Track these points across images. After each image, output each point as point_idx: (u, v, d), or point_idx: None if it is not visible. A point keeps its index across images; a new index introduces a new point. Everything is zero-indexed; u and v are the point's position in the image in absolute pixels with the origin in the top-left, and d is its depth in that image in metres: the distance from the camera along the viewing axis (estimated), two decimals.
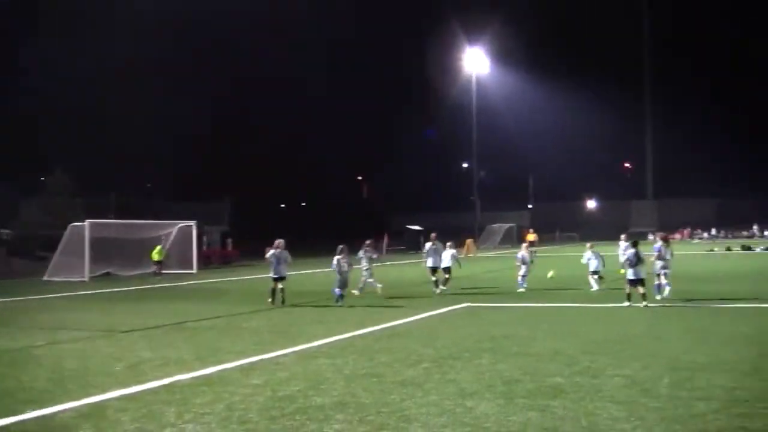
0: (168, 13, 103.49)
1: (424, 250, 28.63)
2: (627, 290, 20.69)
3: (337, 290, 23.69)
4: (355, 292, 25.86)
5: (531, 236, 65.66)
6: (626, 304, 20.39)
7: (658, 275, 22.54)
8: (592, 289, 25.69)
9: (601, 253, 26.72)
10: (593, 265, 26.32)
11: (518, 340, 14.60)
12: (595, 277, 26.37)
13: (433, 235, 28.88)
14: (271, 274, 23.95)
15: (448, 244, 29.57)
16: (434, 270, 27.55)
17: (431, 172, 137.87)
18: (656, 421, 8.54)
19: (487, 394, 10.06)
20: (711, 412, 8.87)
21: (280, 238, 24.85)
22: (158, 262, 43.36)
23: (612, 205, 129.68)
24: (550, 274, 30.25)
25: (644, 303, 20.10)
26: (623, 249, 24.68)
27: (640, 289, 20.33)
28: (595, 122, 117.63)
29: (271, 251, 24.06)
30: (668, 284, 22.41)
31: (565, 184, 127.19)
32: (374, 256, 28.48)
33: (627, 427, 8.38)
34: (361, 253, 27.65)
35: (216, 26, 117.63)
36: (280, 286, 23.55)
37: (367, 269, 27.02)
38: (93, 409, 9.81)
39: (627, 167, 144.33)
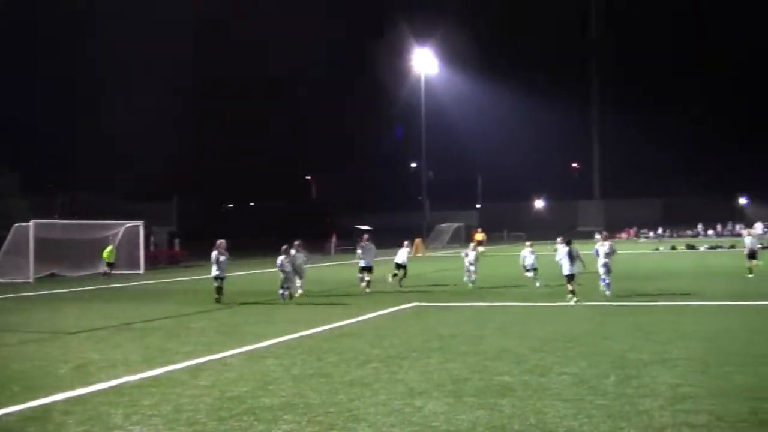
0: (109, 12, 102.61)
1: (357, 251, 28.98)
2: (569, 288, 21.46)
3: (280, 290, 24.15)
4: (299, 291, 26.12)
5: (479, 236, 65.83)
6: (575, 300, 21.11)
7: (602, 274, 23.09)
8: (537, 285, 26.60)
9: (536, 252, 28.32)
10: (528, 261, 28.07)
11: (466, 339, 14.66)
12: (530, 274, 27.81)
13: (365, 236, 29.52)
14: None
15: (405, 243, 31.39)
16: (365, 269, 27.75)
17: (381, 172, 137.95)
18: (603, 418, 8.63)
19: (435, 393, 10.09)
20: (656, 409, 8.98)
21: (221, 239, 25.17)
22: (109, 263, 43.02)
23: (559, 205, 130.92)
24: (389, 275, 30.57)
25: (574, 299, 21.03)
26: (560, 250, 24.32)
27: (569, 286, 21.37)
28: (543, 123, 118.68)
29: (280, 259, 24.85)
30: (608, 283, 22.84)
31: (513, 184, 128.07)
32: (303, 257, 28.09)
33: (574, 424, 8.46)
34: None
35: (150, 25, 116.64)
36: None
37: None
38: (38, 412, 9.67)
39: (574, 168, 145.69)
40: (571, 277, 21.58)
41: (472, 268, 28.27)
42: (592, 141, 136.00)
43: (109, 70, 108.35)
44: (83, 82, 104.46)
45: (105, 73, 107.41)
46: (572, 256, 21.69)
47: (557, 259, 22.62)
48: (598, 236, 27.57)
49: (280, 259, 24.74)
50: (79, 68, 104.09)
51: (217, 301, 24.19)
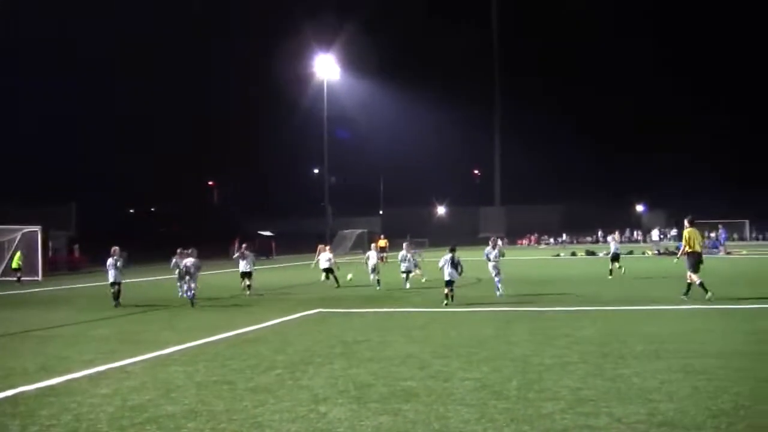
0: None
1: (234, 257, 31.51)
2: (445, 291, 22.73)
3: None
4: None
5: (382, 242, 66.48)
6: (444, 303, 22.40)
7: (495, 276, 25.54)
8: (406, 287, 29.26)
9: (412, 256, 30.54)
10: (403, 266, 30.14)
11: (370, 345, 14.70)
12: (404, 276, 30.15)
13: (244, 245, 31.31)
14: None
15: (328, 247, 35.48)
16: (246, 275, 29.50)
17: (284, 177, 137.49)
18: (506, 422, 8.73)
19: (339, 399, 10.09)
20: (558, 412, 9.13)
21: (117, 245, 25.56)
22: (18, 269, 42.26)
23: (461, 211, 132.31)
24: (349, 276, 33.77)
25: (445, 303, 22.40)
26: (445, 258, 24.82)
27: (446, 290, 22.67)
28: (445, 129, 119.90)
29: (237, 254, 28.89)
30: (499, 283, 25.21)
31: (416, 190, 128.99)
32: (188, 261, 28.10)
33: (478, 428, 8.54)
34: (175, 258, 29.19)
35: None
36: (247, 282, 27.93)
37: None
38: None
39: (476, 174, 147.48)
40: (450, 283, 22.75)
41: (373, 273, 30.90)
42: (494, 147, 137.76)
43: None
44: None
45: None
46: (454, 263, 22.95)
47: (440, 265, 23.40)
48: (500, 242, 28.57)
49: (174, 260, 27.70)
50: None
51: (116, 306, 24.40)
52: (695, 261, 21.98)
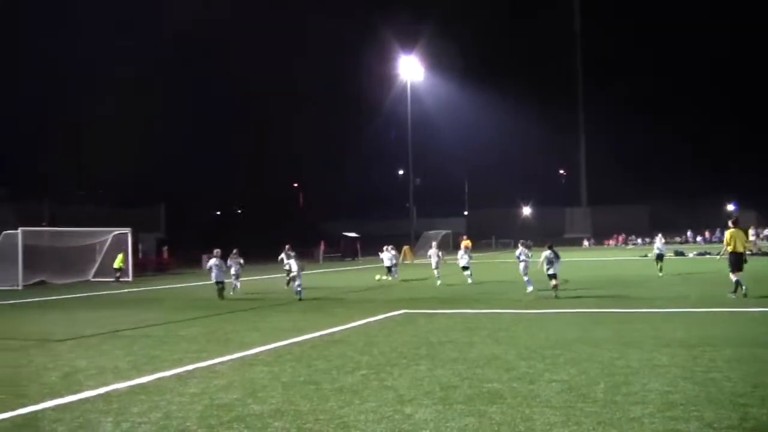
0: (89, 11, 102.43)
1: (281, 259, 33.70)
2: (553, 283, 25.19)
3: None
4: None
5: (466, 242, 66.53)
6: (555, 295, 24.75)
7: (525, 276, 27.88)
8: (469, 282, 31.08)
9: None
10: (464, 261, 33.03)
11: (456, 346, 14.65)
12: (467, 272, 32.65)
13: (287, 246, 33.44)
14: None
15: (390, 246, 38.77)
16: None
17: (368, 179, 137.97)
18: (593, 426, 8.62)
19: (425, 400, 10.08)
20: (647, 416, 8.98)
21: (218, 246, 26.57)
22: (119, 269, 43.49)
23: (547, 212, 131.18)
24: (377, 277, 37.30)
25: (555, 295, 24.73)
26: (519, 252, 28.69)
27: (553, 282, 25.15)
28: (530, 129, 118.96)
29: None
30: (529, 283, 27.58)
31: (501, 190, 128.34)
32: (241, 261, 32.99)
33: (564, 431, 8.46)
34: (229, 261, 31.86)
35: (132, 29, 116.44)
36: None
37: (235, 274, 31.64)
38: (27, 420, 9.63)
39: (561, 174, 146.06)
40: (553, 276, 25.29)
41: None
42: (580, 147, 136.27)
43: (95, 72, 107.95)
44: (67, 85, 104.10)
45: (88, 76, 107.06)
46: (554, 258, 25.52)
47: (540, 260, 25.88)
48: (586, 243, 29.64)
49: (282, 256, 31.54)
50: (64, 72, 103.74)
51: (222, 299, 28.18)
52: (736, 260, 23.14)
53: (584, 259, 59.60)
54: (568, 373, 11.63)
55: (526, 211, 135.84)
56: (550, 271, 25.33)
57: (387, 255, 37.95)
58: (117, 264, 44.26)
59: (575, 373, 11.57)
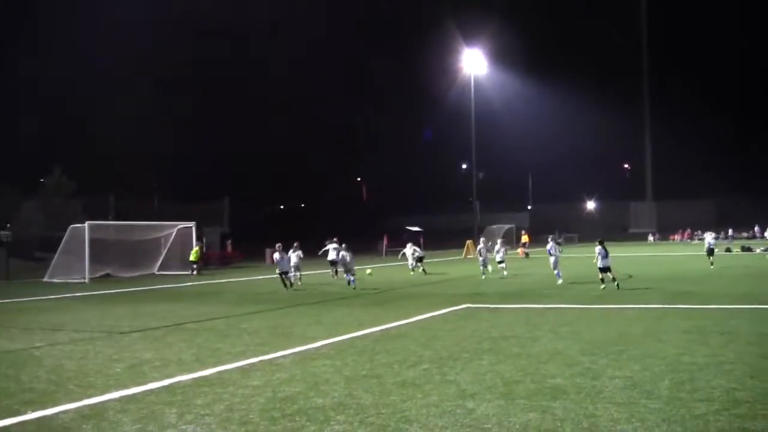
0: (163, 11, 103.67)
1: (276, 258, 33.60)
2: (600, 277, 26.85)
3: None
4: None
5: (525, 237, 67.05)
6: (602, 287, 26.23)
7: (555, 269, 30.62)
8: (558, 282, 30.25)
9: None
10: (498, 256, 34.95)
11: (518, 341, 14.59)
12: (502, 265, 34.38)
13: (335, 239, 35.59)
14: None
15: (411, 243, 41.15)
16: (333, 264, 35.23)
17: (430, 173, 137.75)
18: (657, 423, 8.52)
19: (487, 395, 10.05)
20: (712, 413, 8.86)
21: (282, 240, 27.16)
22: (195, 262, 44.20)
23: (611, 206, 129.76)
24: (368, 271, 39.04)
25: (603, 287, 26.24)
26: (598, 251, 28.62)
27: (601, 275, 26.83)
28: (594, 123, 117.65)
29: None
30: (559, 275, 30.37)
31: (564, 185, 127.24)
32: (300, 254, 33.76)
33: (628, 428, 8.37)
34: (290, 253, 32.85)
35: (214, 26, 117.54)
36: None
37: (295, 265, 32.64)
38: (93, 410, 9.80)
39: (625, 168, 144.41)
40: (605, 269, 26.76)
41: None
42: (644, 141, 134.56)
43: (159, 71, 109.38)
44: (135, 82, 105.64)
45: (155, 70, 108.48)
46: (605, 253, 26.95)
47: (596, 254, 27.32)
48: (651, 238, 30.37)
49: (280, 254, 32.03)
50: (128, 67, 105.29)
51: (288, 288, 30.10)
52: None
53: (648, 255, 58.88)
54: (632, 369, 11.52)
55: (590, 205, 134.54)
56: (600, 265, 26.88)
57: (409, 251, 41.44)
58: (193, 257, 45.00)
59: (639, 369, 11.45)
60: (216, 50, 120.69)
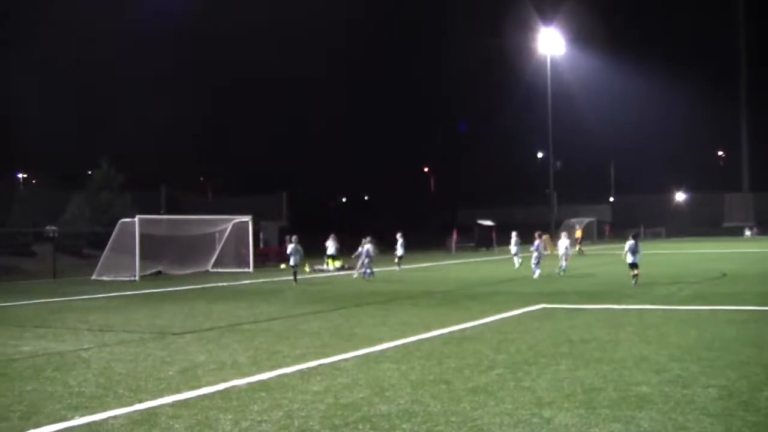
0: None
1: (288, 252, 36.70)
2: (633, 272, 28.01)
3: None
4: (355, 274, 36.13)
5: (579, 233, 66.72)
6: (633, 283, 27.63)
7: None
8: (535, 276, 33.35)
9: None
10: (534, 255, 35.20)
11: (599, 345, 14.46)
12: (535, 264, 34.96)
13: (295, 237, 36.48)
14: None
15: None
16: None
17: (504, 163, 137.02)
18: None
19: (565, 403, 9.97)
20: None
21: (333, 233, 27.70)
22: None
23: (702, 198, 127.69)
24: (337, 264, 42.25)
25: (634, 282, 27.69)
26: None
27: (633, 272, 28.02)
28: (683, 107, 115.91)
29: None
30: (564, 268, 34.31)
31: (650, 174, 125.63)
32: (338, 245, 39.13)
33: None
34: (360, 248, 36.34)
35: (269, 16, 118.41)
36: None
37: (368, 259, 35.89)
38: (145, 416, 9.93)
39: (719, 156, 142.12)
40: (633, 265, 27.95)
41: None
42: (741, 127, 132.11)
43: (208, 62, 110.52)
44: (186, 69, 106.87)
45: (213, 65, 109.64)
46: (635, 249, 28.04)
47: (625, 250, 28.55)
48: (748, 233, 30.46)
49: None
50: (182, 56, 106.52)
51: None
52: None
53: (744, 251, 57.89)
54: (727, 377, 11.33)
55: (679, 197, 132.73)
56: (629, 261, 28.10)
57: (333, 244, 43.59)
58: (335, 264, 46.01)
59: (735, 378, 11.26)
60: (266, 40, 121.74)
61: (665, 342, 14.65)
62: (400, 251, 42.68)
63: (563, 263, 35.22)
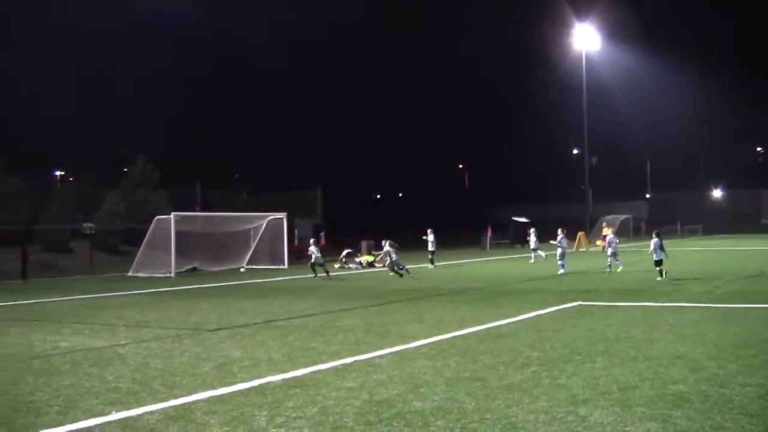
0: None
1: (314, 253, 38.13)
2: (658, 269, 28.86)
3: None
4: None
5: (606, 230, 66.12)
6: (658, 279, 28.42)
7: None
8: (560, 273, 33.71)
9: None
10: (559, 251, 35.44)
11: (635, 343, 14.37)
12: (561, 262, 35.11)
13: (389, 242, 37.04)
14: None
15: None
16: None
17: (539, 159, 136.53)
18: None
19: (601, 401, 9.93)
20: None
21: (363, 231, 27.82)
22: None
23: (740, 195, 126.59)
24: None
25: (659, 278, 28.37)
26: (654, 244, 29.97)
27: (658, 268, 28.84)
28: (720, 103, 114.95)
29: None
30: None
31: (688, 171, 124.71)
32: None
33: None
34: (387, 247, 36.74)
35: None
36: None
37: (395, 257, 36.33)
38: (180, 411, 9.98)
39: (758, 152, 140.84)
40: (659, 262, 28.77)
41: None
42: None
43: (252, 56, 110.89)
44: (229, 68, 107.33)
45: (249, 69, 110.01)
46: (660, 246, 28.84)
47: (651, 249, 29.35)
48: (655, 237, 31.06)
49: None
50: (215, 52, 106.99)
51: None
52: None
53: None
54: (765, 376, 11.23)
55: (716, 193, 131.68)
56: (655, 258, 28.99)
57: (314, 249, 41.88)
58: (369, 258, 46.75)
59: None
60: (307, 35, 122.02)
61: (702, 340, 14.54)
62: (431, 247, 42.57)
63: (612, 261, 34.46)
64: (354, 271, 42.35)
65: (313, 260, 37.67)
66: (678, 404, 9.67)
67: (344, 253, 46.74)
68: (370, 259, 45.70)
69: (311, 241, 41.05)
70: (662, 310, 20.19)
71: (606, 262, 34.29)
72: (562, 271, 33.98)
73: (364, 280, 34.37)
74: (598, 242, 64.44)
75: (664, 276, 28.57)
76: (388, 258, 36.26)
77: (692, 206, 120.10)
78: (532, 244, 45.70)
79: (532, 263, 42.94)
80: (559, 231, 35.16)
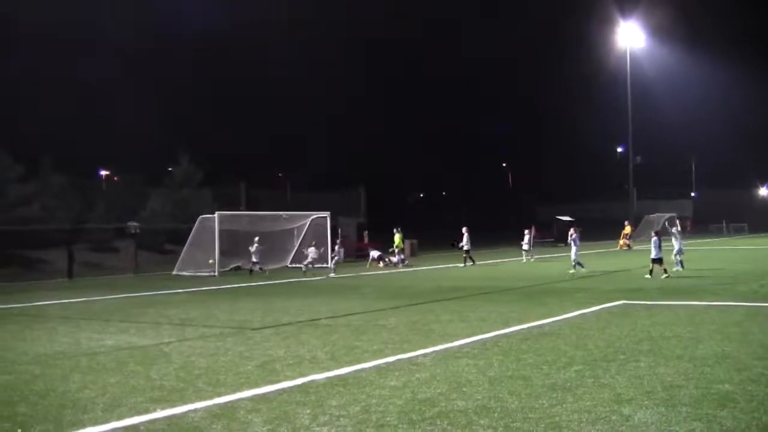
0: None
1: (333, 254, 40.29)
2: (662, 267, 29.22)
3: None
4: None
5: (628, 228, 65.52)
6: (663, 276, 28.80)
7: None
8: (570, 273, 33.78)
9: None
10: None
11: (680, 342, 14.25)
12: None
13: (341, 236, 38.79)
14: None
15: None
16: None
17: (583, 158, 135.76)
18: None
19: (645, 400, 9.85)
20: None
21: (405, 230, 27.96)
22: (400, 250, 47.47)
23: None
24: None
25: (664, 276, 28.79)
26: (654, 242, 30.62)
27: (661, 266, 29.23)
28: (765, 100, 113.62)
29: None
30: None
31: (734, 169, 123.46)
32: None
33: None
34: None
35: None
36: None
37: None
38: (224, 410, 10.04)
39: None
40: (657, 261, 29.36)
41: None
42: None
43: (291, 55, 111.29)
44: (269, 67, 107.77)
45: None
46: (658, 244, 29.71)
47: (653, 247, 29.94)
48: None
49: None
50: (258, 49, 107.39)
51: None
52: None
53: None
54: None
55: (763, 192, 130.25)
56: (652, 256, 29.66)
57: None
58: (397, 243, 47.31)
59: None
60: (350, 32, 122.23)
61: (748, 340, 14.39)
62: (466, 246, 42.44)
63: (677, 260, 32.84)
64: (394, 270, 42.27)
65: (336, 260, 39.35)
66: (723, 404, 9.57)
67: (375, 255, 46.76)
68: (399, 244, 46.48)
69: (337, 241, 42.51)
70: (707, 309, 19.99)
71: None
72: (573, 271, 34.06)
73: (405, 279, 34.36)
74: (621, 242, 63.99)
75: (656, 275, 28.95)
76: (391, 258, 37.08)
77: (738, 204, 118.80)
78: (525, 246, 47.32)
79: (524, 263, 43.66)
80: (572, 230, 34.86)
